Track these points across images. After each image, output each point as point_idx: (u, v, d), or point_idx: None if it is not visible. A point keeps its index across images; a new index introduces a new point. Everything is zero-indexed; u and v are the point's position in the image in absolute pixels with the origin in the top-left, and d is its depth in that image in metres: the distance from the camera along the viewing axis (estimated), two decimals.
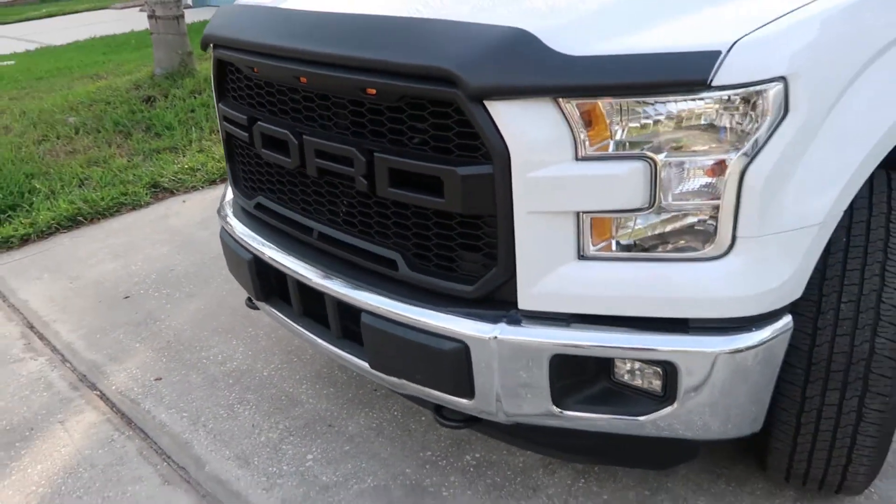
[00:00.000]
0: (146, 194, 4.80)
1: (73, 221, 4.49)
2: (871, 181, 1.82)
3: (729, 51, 1.43)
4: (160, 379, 2.93)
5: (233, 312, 3.33)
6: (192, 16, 7.59)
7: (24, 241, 4.31)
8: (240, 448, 2.51)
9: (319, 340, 2.10)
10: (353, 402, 2.69)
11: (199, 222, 4.36)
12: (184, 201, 4.76)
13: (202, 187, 4.92)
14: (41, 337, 3.32)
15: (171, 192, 4.89)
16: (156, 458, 2.51)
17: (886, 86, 1.63)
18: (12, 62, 10.41)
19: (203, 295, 3.54)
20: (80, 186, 4.92)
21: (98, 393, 2.89)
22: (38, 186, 4.87)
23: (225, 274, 3.53)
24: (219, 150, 5.29)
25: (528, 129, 1.53)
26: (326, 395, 2.73)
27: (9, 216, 4.54)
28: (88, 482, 2.43)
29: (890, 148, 1.64)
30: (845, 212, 1.73)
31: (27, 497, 2.39)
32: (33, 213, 4.53)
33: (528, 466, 2.32)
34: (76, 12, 16.17)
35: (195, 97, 6.40)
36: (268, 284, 2.26)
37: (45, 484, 2.44)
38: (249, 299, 2.48)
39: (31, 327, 3.41)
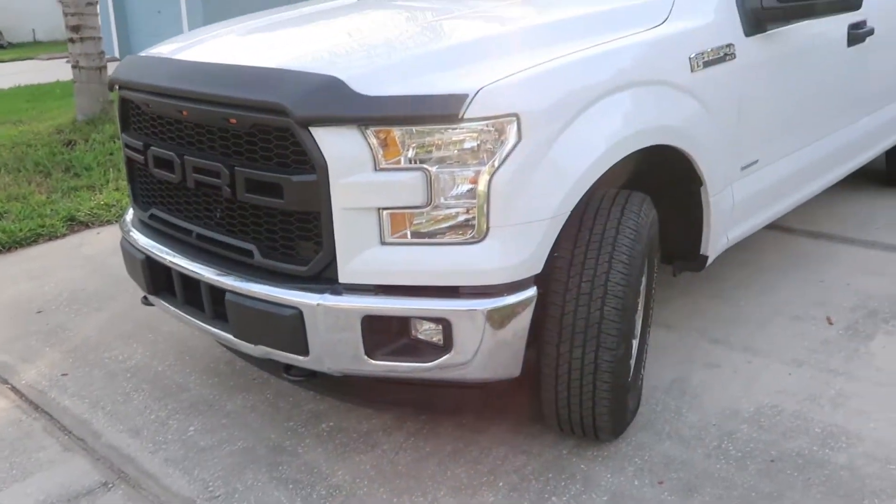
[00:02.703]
0: (63, 227, 5.20)
1: None
2: (614, 197, 2.49)
3: (476, 94, 2.07)
4: (66, 374, 3.36)
5: (135, 322, 3.79)
6: None
7: None
8: (132, 424, 2.97)
9: (198, 322, 2.62)
10: (234, 388, 3.18)
11: (111, 250, 4.75)
12: (98, 233, 5.20)
13: (116, 221, 5.35)
14: None
15: (87, 226, 5.31)
16: (58, 433, 2.94)
17: (597, 125, 2.30)
18: None
19: (109, 309, 3.99)
20: None
21: (9, 386, 3.30)
22: None
23: (131, 292, 3.99)
24: None
25: (340, 148, 2.13)
26: (211, 384, 3.22)
27: None
28: None
29: (601, 171, 2.31)
30: (588, 216, 2.38)
31: None
32: None
33: (371, 430, 2.85)
34: (1, 61, 16.35)
35: (114, 142, 6.86)
36: (158, 279, 2.77)
37: None
38: (145, 297, 2.98)
39: None
